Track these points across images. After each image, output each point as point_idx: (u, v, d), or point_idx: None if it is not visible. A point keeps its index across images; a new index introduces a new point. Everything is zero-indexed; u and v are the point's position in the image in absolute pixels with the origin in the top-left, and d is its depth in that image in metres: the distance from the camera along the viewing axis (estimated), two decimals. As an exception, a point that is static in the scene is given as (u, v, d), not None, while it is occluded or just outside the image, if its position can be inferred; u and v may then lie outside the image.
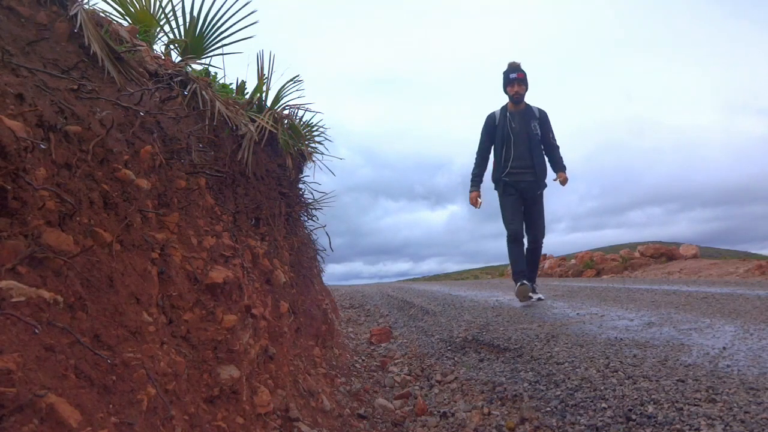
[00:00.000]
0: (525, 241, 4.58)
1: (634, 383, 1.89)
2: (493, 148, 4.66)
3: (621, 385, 1.89)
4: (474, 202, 4.55)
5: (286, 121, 2.59)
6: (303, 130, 2.83)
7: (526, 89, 4.57)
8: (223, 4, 2.23)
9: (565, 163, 4.65)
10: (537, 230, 4.58)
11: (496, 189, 4.66)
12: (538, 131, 4.55)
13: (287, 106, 2.65)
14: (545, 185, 4.60)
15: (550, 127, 4.66)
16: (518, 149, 4.50)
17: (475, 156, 4.65)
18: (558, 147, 4.64)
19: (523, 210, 4.57)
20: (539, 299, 4.56)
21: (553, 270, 12.94)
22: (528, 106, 4.61)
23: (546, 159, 4.65)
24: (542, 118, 4.61)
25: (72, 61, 1.26)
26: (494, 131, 4.61)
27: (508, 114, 4.55)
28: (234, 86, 2.54)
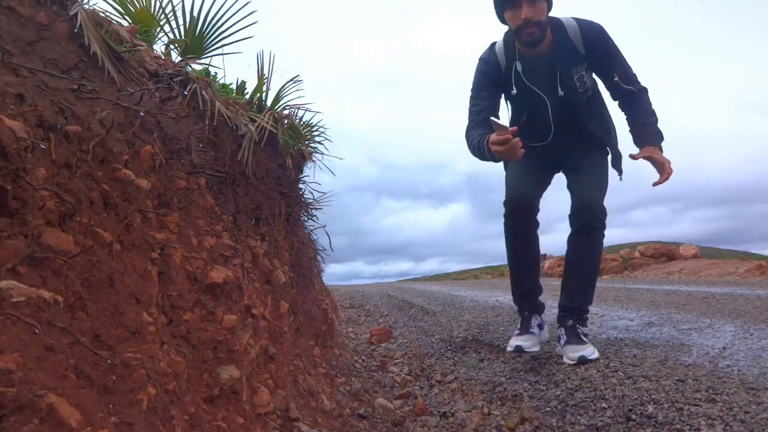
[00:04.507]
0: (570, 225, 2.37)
1: (634, 383, 1.89)
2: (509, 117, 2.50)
3: (621, 385, 1.89)
4: (502, 140, 1.95)
5: (286, 121, 2.59)
6: (303, 130, 2.83)
7: (550, 7, 2.17)
8: (223, 4, 2.23)
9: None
10: (585, 192, 2.31)
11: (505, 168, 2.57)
12: (589, 80, 2.30)
13: (287, 106, 2.65)
14: (609, 152, 2.43)
15: (615, 58, 2.26)
16: (558, 125, 2.36)
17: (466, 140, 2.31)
18: (642, 91, 2.29)
19: (567, 176, 2.48)
20: (580, 360, 2.23)
21: (553, 270, 12.94)
22: (558, 30, 2.22)
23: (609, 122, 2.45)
24: (591, 46, 2.22)
25: (72, 61, 1.26)
26: (498, 90, 2.38)
27: (517, 64, 2.27)
28: (234, 86, 2.54)
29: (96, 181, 1.04)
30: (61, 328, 0.79)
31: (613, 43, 2.26)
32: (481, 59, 2.41)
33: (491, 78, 2.36)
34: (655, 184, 2.15)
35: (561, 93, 2.28)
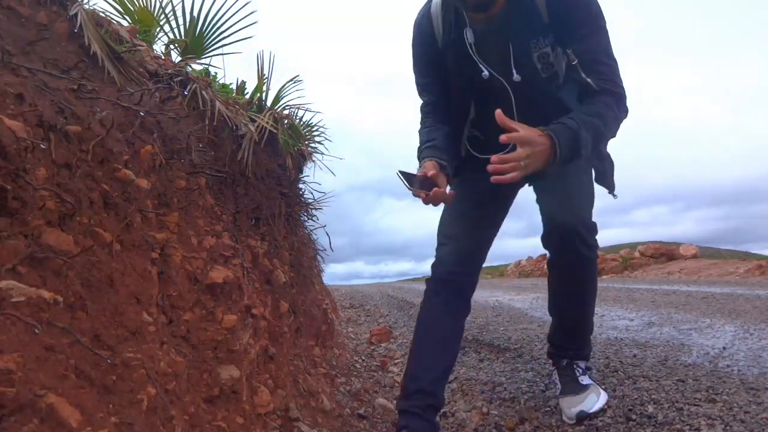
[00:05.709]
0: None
1: (634, 383, 1.89)
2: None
3: (621, 385, 1.89)
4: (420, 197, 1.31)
5: (286, 121, 2.58)
6: (303, 130, 2.83)
7: None
8: (223, 4, 2.23)
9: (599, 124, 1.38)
10: (561, 206, 1.54)
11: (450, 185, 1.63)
12: (558, 62, 1.50)
13: (287, 106, 2.65)
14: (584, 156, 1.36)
15: (584, 33, 1.41)
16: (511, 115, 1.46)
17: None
18: (606, 93, 1.41)
19: (534, 188, 1.70)
20: (579, 417, 1.65)
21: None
22: None
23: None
24: (558, 11, 1.40)
25: (72, 61, 1.26)
26: (438, 69, 1.62)
27: (467, 33, 1.49)
28: (234, 86, 2.54)
29: (96, 181, 1.04)
30: (61, 328, 0.79)
31: (593, 14, 1.42)
32: (414, 25, 1.64)
33: (427, 53, 1.62)
34: (490, 168, 1.24)
35: (517, 77, 1.49)
